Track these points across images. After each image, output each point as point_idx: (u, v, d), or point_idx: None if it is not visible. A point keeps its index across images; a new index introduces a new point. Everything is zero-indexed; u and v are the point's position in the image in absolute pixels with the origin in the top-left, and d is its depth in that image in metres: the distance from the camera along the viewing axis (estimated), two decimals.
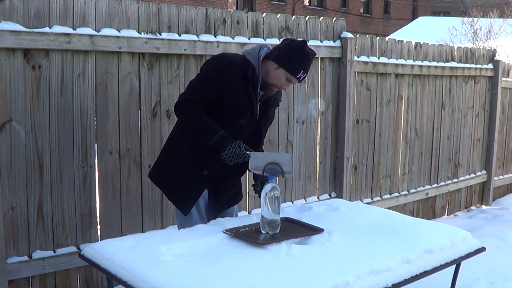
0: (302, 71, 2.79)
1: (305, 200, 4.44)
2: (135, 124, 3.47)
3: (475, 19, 18.64)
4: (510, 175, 7.20)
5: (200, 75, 2.83)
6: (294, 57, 2.77)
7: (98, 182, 3.36)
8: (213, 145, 2.71)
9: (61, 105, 3.15)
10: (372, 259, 2.38)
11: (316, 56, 4.34)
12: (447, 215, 6.08)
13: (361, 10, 32.00)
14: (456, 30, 18.17)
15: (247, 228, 2.68)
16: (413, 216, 5.06)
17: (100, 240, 3.33)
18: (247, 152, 2.73)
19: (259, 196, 2.70)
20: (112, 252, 2.38)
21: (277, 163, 2.71)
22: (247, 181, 3.95)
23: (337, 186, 4.68)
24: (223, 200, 3.02)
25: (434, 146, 5.74)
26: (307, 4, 29.15)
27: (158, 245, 2.40)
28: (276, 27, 4.10)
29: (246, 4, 26.03)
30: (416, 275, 2.44)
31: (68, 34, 3.09)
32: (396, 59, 5.09)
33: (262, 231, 2.62)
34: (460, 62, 5.92)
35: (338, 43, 4.51)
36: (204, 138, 2.74)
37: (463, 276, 3.02)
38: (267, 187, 2.58)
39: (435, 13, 33.63)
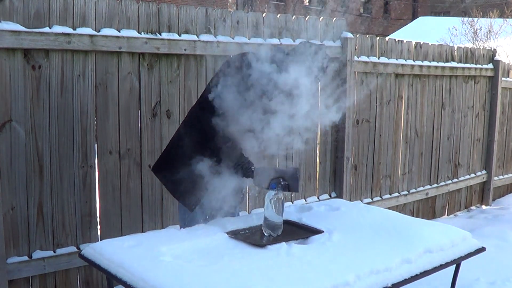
0: None
1: (305, 200, 4.44)
2: (135, 124, 3.47)
3: (475, 19, 18.62)
4: (510, 175, 7.20)
5: None
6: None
7: (98, 182, 3.36)
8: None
9: (61, 105, 3.15)
10: (372, 259, 2.38)
11: None
12: (447, 215, 6.08)
13: (361, 10, 32.00)
14: (456, 30, 18.15)
15: (247, 231, 2.68)
16: (413, 216, 5.06)
17: (100, 240, 3.33)
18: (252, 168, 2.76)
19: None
20: (112, 252, 2.38)
21: (283, 178, 2.70)
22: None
23: (337, 186, 4.68)
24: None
25: (434, 146, 5.74)
26: (307, 4, 29.15)
27: (158, 245, 2.40)
28: (276, 27, 4.10)
29: (246, 4, 26.02)
30: (416, 275, 2.44)
31: (68, 34, 3.09)
32: (396, 59, 5.09)
33: (265, 234, 2.62)
34: (460, 62, 5.93)
35: (338, 43, 4.52)
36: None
37: (463, 276, 3.02)
38: (271, 192, 2.59)
39: (435, 13, 33.60)
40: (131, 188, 3.47)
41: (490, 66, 6.39)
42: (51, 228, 3.18)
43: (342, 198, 4.57)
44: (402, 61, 5.14)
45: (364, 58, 4.74)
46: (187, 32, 3.59)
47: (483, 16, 18.96)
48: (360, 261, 2.35)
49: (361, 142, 4.88)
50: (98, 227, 3.40)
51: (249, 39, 3.90)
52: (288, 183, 2.69)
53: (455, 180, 6.10)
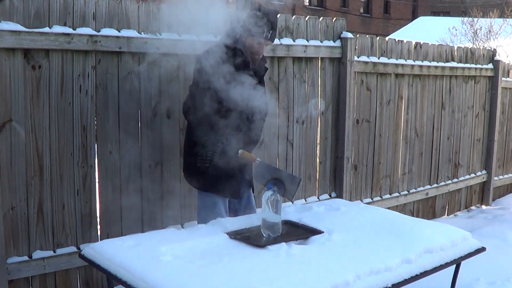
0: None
1: (305, 200, 4.44)
2: (135, 124, 3.46)
3: (475, 19, 18.61)
4: (510, 175, 7.20)
5: None
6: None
7: (98, 182, 3.36)
8: None
9: (61, 105, 3.15)
10: (372, 259, 2.38)
11: (316, 55, 4.38)
12: (447, 215, 6.08)
13: (361, 10, 31.99)
14: (456, 30, 18.14)
15: (247, 232, 2.68)
16: (413, 216, 5.07)
17: (100, 240, 3.33)
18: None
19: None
20: (112, 252, 2.38)
21: (283, 182, 2.70)
22: None
23: (337, 186, 4.68)
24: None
25: (434, 146, 5.74)
26: (307, 4, 29.14)
27: (158, 245, 2.40)
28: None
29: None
30: (416, 275, 2.44)
31: (68, 34, 3.09)
32: (396, 59, 5.09)
33: (264, 235, 2.62)
34: (460, 62, 5.93)
35: (338, 43, 4.52)
36: None
37: (463, 276, 3.02)
38: (268, 192, 2.59)
39: (435, 13, 33.58)
40: (131, 188, 3.47)
41: (490, 66, 6.39)
42: (51, 228, 3.18)
43: (342, 198, 4.57)
44: (402, 61, 5.14)
45: (364, 58, 4.74)
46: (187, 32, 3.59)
47: (483, 16, 18.94)
48: (360, 261, 2.36)
49: (361, 142, 4.87)
50: (98, 227, 3.39)
51: None
52: (285, 188, 2.70)
53: (455, 180, 6.10)
